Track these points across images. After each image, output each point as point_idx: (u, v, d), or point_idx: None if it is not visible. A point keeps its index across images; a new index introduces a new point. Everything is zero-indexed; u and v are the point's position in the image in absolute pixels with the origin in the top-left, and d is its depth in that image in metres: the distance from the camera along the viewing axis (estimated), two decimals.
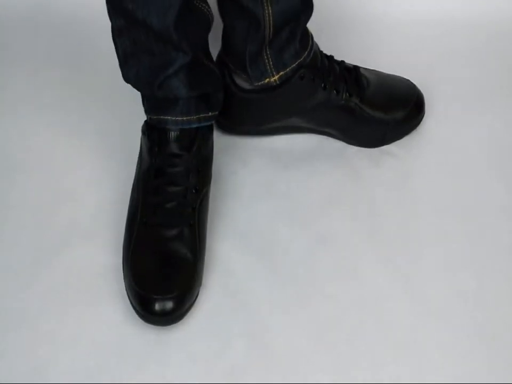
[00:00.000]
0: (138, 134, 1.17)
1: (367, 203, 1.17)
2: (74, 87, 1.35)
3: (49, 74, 1.34)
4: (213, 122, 1.14)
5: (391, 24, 1.43)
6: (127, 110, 1.30)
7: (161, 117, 1.09)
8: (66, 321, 1.04)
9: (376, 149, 1.24)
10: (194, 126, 1.10)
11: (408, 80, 1.27)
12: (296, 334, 1.03)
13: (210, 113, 1.12)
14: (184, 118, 1.09)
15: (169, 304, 1.00)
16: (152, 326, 1.02)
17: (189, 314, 1.04)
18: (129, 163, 1.20)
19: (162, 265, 1.04)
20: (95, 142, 1.26)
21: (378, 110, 1.21)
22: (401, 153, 1.24)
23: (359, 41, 1.38)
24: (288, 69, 1.14)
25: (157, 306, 1.00)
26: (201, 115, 1.10)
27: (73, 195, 1.18)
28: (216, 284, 1.08)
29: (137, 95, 1.17)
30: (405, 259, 1.11)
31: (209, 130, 1.14)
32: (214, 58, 1.16)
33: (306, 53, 1.15)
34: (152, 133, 1.10)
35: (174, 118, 1.09)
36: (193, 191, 1.08)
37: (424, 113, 1.26)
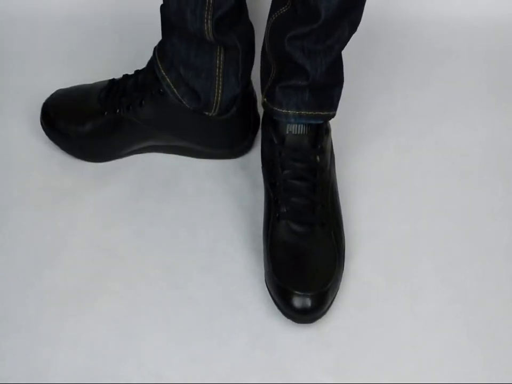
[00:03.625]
0: None
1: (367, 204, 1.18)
2: None
3: (49, 74, 1.34)
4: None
5: (391, 24, 1.43)
6: None
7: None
8: (66, 322, 1.04)
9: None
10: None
11: None
12: (296, 333, 1.03)
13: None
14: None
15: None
16: (156, 325, 1.02)
17: (188, 314, 1.04)
18: (129, 163, 1.20)
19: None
20: None
21: None
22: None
23: (358, 41, 1.38)
24: None
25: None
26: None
27: (73, 195, 1.18)
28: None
29: None
30: (405, 259, 1.11)
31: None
32: None
33: None
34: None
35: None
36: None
37: None
